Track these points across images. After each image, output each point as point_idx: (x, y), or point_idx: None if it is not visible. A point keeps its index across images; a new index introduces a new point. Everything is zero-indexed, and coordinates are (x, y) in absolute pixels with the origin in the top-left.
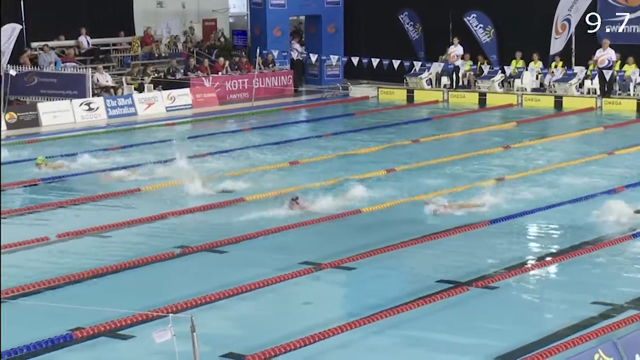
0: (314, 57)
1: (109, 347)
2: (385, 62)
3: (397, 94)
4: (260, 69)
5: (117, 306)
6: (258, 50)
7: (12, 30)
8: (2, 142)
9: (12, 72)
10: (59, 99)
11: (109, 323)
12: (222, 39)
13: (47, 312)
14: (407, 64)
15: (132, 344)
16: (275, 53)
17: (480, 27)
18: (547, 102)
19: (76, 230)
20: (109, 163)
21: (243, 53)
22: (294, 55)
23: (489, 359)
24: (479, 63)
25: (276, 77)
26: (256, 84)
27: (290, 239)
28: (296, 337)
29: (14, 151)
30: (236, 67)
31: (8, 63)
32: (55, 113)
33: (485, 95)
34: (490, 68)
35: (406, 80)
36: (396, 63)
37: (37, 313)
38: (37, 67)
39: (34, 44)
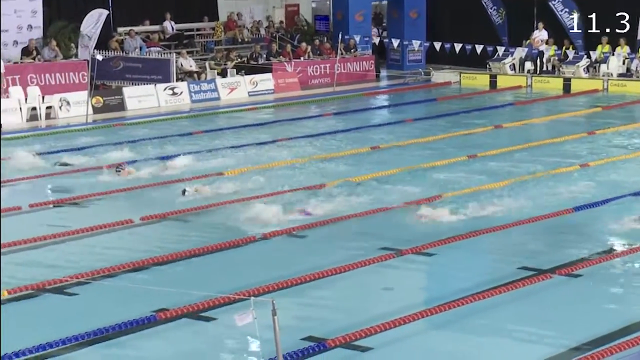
0: (395, 43)
1: (192, 329)
2: (468, 47)
3: (480, 80)
4: (342, 54)
5: (199, 289)
6: (340, 35)
7: (99, 15)
8: (89, 127)
9: (99, 57)
10: (144, 84)
11: (192, 305)
12: (304, 24)
13: (132, 294)
14: (490, 49)
15: (214, 327)
16: (357, 38)
17: (565, 12)
18: (634, 87)
19: (159, 213)
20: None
21: (325, 38)
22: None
23: (571, 347)
24: (563, 48)
25: (358, 62)
26: (338, 69)
27: (372, 224)
28: (376, 322)
29: (102, 135)
30: (318, 52)
31: (95, 48)
32: (140, 97)
33: (570, 81)
34: (575, 53)
35: (489, 65)
36: (479, 48)
37: (122, 294)
38: (123, 52)
39: (120, 29)
